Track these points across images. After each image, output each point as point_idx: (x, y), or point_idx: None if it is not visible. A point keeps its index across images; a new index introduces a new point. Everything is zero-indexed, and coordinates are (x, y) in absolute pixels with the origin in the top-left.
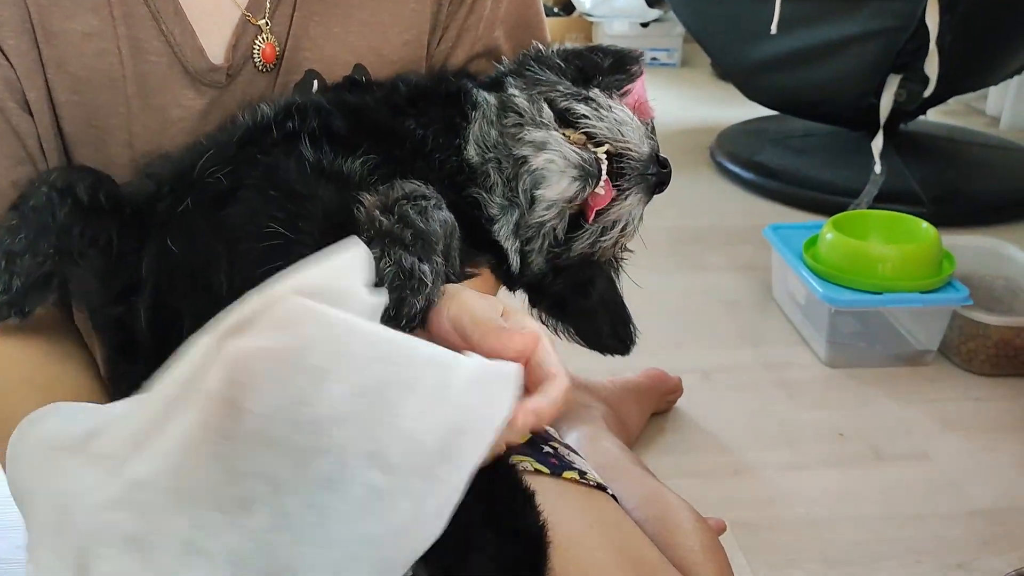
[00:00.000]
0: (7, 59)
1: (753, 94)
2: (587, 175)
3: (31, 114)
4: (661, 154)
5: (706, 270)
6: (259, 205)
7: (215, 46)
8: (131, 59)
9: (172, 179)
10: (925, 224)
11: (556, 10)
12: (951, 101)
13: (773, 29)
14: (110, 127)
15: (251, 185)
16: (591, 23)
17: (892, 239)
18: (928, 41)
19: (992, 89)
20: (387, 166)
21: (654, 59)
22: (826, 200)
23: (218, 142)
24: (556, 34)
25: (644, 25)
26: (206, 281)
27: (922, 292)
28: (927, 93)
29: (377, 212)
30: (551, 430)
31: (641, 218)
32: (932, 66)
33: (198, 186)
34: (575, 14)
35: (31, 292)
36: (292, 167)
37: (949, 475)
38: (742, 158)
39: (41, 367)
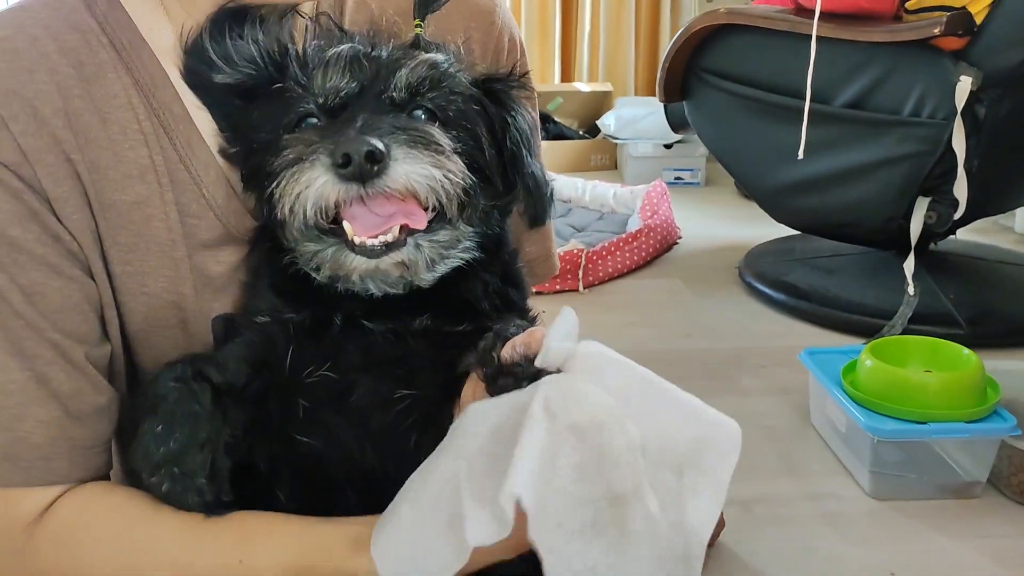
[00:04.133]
0: (72, 235)
1: (779, 216)
2: None
3: (96, 283)
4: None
5: (741, 394)
6: (374, 383)
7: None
8: (178, 224)
9: (257, 367)
10: (966, 351)
11: (582, 132)
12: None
13: (800, 154)
14: (158, 291)
15: (355, 367)
16: (615, 144)
17: (932, 365)
18: (956, 165)
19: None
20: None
21: (678, 179)
22: (859, 321)
23: (270, 334)
24: (582, 156)
25: (668, 147)
26: (358, 460)
27: (967, 421)
28: (957, 215)
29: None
30: None
31: None
32: (961, 190)
33: (302, 386)
34: (600, 136)
35: (218, 482)
36: (377, 341)
37: None
38: (771, 278)
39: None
